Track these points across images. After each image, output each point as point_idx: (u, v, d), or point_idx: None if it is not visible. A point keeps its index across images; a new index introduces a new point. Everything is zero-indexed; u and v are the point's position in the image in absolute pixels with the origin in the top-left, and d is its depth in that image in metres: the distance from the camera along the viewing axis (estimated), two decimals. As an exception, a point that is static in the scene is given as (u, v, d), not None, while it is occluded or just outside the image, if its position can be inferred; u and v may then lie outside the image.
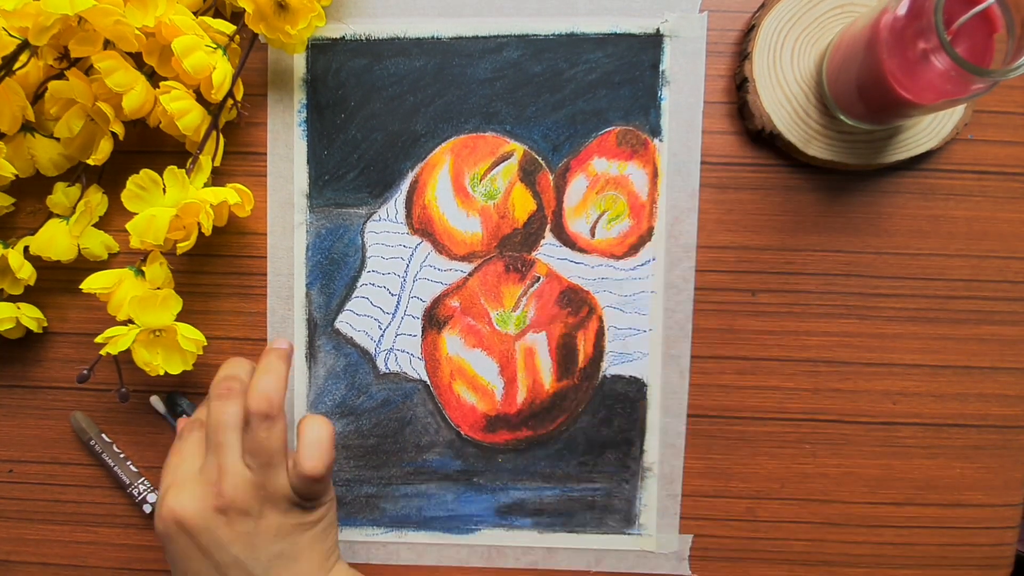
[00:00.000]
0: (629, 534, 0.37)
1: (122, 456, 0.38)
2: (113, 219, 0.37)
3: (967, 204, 0.36)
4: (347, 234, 0.37)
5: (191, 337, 0.34)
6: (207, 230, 0.33)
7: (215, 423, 0.30)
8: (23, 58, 0.32)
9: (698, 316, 0.37)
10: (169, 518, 0.29)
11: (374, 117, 0.37)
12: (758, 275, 0.36)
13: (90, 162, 0.34)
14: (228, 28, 0.33)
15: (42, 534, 0.39)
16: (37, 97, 0.35)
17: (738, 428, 0.37)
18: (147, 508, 0.37)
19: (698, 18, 0.36)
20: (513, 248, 0.37)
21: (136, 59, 0.33)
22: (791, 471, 0.37)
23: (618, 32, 0.36)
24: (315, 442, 0.30)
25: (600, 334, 0.37)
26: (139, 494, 0.37)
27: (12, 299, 0.36)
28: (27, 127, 0.35)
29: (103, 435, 0.38)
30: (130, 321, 0.33)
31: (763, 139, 0.36)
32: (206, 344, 0.35)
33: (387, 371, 0.37)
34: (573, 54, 0.36)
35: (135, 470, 0.38)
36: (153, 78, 0.34)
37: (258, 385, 0.30)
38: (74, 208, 0.36)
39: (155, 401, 0.38)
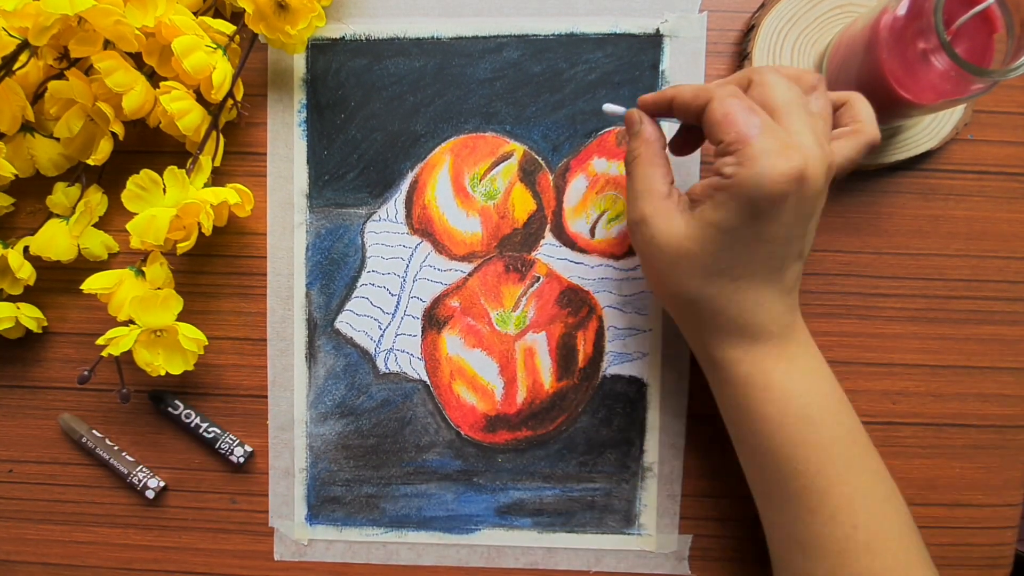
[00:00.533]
0: (629, 534, 0.38)
1: (116, 448, 0.38)
2: (113, 219, 0.37)
3: (967, 204, 0.36)
4: (347, 234, 0.37)
5: (192, 337, 0.34)
6: (207, 230, 0.33)
7: (784, 84, 0.27)
8: (23, 58, 0.32)
9: (698, 316, 0.37)
10: (798, 174, 0.25)
11: (374, 117, 0.37)
12: (758, 275, 0.36)
13: (90, 162, 0.34)
14: (228, 28, 0.33)
15: (42, 534, 0.39)
16: (37, 97, 0.35)
17: (738, 428, 0.37)
18: (149, 494, 0.37)
19: (698, 18, 0.36)
20: (513, 248, 0.37)
21: (136, 59, 0.33)
22: (791, 471, 0.37)
23: (618, 32, 0.36)
24: (871, 112, 0.29)
25: (600, 334, 0.37)
26: (139, 481, 0.37)
27: (12, 299, 0.36)
28: (27, 127, 0.35)
29: (93, 431, 0.38)
30: (131, 321, 0.33)
31: (763, 139, 0.36)
32: (207, 344, 0.35)
33: (387, 371, 0.37)
34: (573, 54, 0.36)
35: (131, 459, 0.38)
36: (153, 78, 0.34)
37: (788, 68, 0.29)
38: (74, 208, 0.36)
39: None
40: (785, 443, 0.28)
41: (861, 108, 0.29)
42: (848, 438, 0.29)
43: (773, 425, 0.28)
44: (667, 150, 0.31)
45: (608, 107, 0.32)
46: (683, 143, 0.33)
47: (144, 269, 0.35)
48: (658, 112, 0.30)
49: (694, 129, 0.31)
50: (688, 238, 0.27)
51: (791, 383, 0.28)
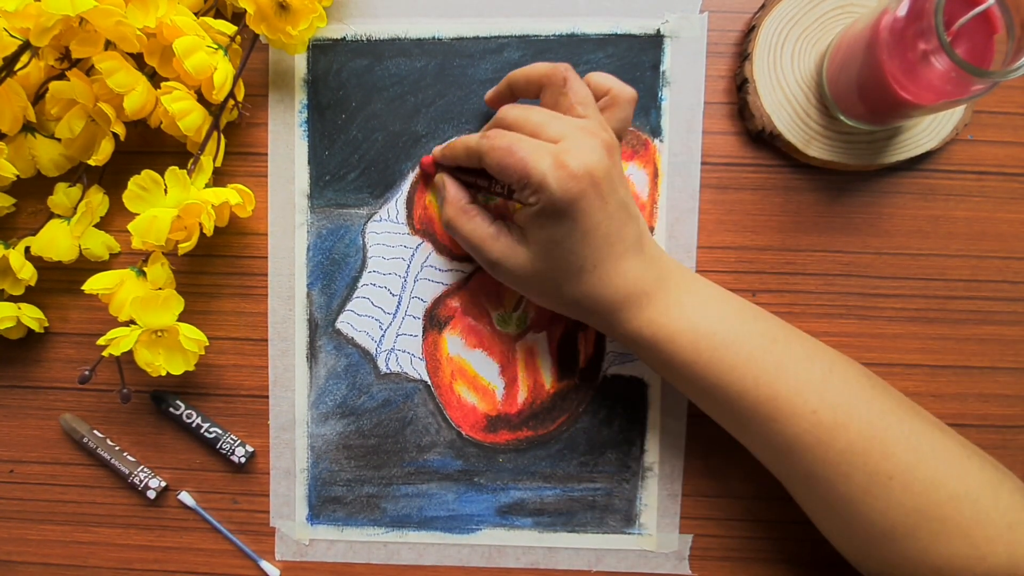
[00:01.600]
0: (629, 534, 0.38)
1: (117, 448, 0.38)
2: (114, 219, 0.37)
3: (967, 204, 0.36)
4: (348, 234, 0.37)
5: (193, 337, 0.34)
6: (208, 231, 0.33)
7: (524, 112, 0.30)
8: (24, 59, 0.32)
9: (698, 316, 0.37)
10: (583, 173, 0.28)
11: (375, 117, 0.37)
12: (758, 275, 0.36)
13: (91, 163, 0.34)
14: (229, 29, 0.33)
15: (43, 534, 0.39)
16: (38, 98, 0.35)
17: (738, 428, 0.37)
18: (151, 495, 0.37)
19: (698, 19, 0.36)
20: (514, 248, 0.37)
21: (137, 60, 0.33)
22: (791, 471, 0.37)
23: (619, 33, 0.36)
24: (613, 78, 0.32)
25: (601, 334, 0.37)
26: (140, 481, 0.37)
27: (13, 299, 0.36)
28: (28, 127, 0.35)
29: (94, 431, 0.38)
30: (132, 322, 0.33)
31: (763, 140, 0.36)
32: (208, 344, 0.35)
33: (388, 371, 0.37)
34: (574, 55, 0.36)
35: (133, 459, 0.38)
36: (154, 79, 0.34)
37: (536, 68, 0.32)
38: (75, 209, 0.36)
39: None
40: (715, 376, 0.30)
41: (602, 80, 0.32)
42: (766, 339, 0.30)
43: (698, 366, 0.30)
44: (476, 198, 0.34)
45: (426, 161, 0.36)
46: (480, 191, 0.34)
47: (145, 269, 0.35)
48: (456, 169, 0.34)
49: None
50: (534, 260, 0.30)
51: (689, 324, 0.30)
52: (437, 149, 0.34)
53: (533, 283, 0.31)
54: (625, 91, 0.32)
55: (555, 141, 0.29)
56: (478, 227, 0.32)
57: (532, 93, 0.33)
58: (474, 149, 0.31)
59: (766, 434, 0.30)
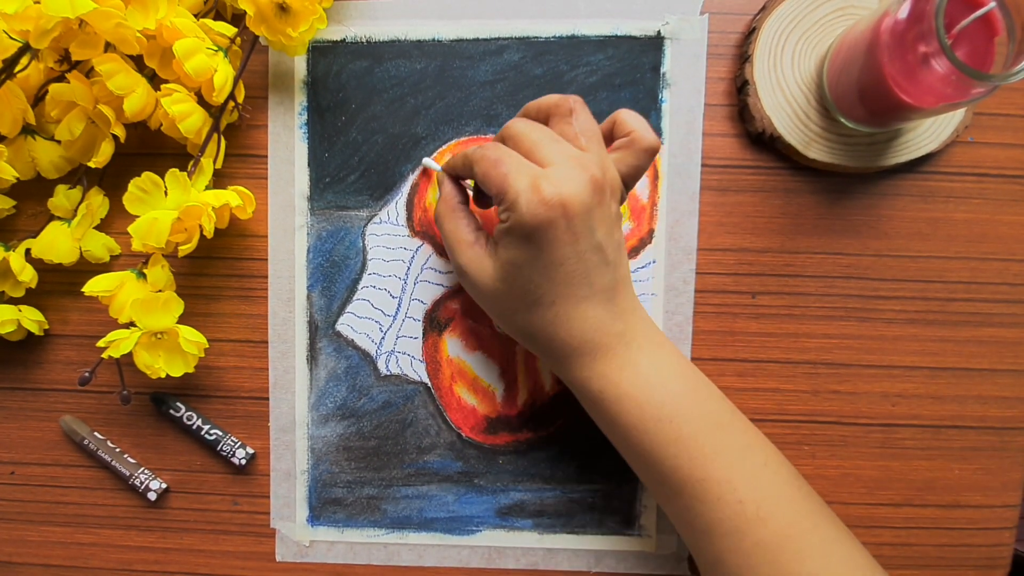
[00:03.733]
0: (629, 535, 0.38)
1: (118, 450, 0.38)
2: (114, 222, 0.37)
3: (967, 207, 0.36)
4: (348, 236, 0.37)
5: (193, 339, 0.34)
6: (208, 233, 0.33)
7: (527, 128, 0.29)
8: (24, 61, 0.32)
9: (698, 318, 0.37)
10: (556, 202, 0.27)
11: (375, 119, 0.37)
12: (758, 277, 0.37)
13: (91, 165, 0.34)
14: (229, 30, 0.33)
15: (44, 535, 0.39)
16: (38, 100, 0.34)
17: (738, 430, 0.37)
18: (151, 496, 0.38)
19: (699, 20, 0.36)
20: (514, 250, 0.37)
21: (137, 62, 0.33)
22: (791, 472, 0.37)
23: (619, 34, 0.36)
24: (642, 121, 0.30)
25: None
26: (141, 483, 0.37)
27: (13, 301, 0.36)
28: (28, 130, 0.35)
29: (95, 433, 0.38)
30: (132, 324, 0.33)
31: (763, 142, 0.36)
32: (208, 346, 0.35)
33: (388, 373, 0.37)
34: (574, 56, 0.36)
35: (133, 461, 0.38)
36: (154, 81, 0.34)
37: (547, 99, 0.31)
38: (75, 211, 0.36)
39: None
40: (653, 445, 0.29)
41: (629, 119, 0.30)
42: (711, 422, 0.29)
43: (638, 432, 0.29)
44: (471, 204, 0.33)
45: (427, 161, 0.36)
46: (479, 197, 0.34)
47: (145, 271, 0.35)
48: (458, 174, 0.33)
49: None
50: (497, 279, 0.30)
51: (640, 390, 0.29)
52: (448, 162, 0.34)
53: (492, 302, 0.30)
54: (646, 138, 0.30)
55: (543, 164, 0.28)
56: (459, 229, 0.31)
57: (542, 122, 0.31)
58: (468, 157, 0.30)
59: (688, 512, 0.29)
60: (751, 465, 0.29)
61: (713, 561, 0.29)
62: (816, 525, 0.29)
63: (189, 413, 0.38)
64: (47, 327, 0.38)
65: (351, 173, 0.37)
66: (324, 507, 0.38)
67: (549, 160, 0.28)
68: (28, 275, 0.35)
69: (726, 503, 0.28)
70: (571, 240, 0.27)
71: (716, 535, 0.29)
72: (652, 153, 0.30)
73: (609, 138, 0.31)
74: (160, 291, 0.34)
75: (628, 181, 0.30)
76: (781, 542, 0.28)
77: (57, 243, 0.35)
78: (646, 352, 0.30)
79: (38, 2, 0.29)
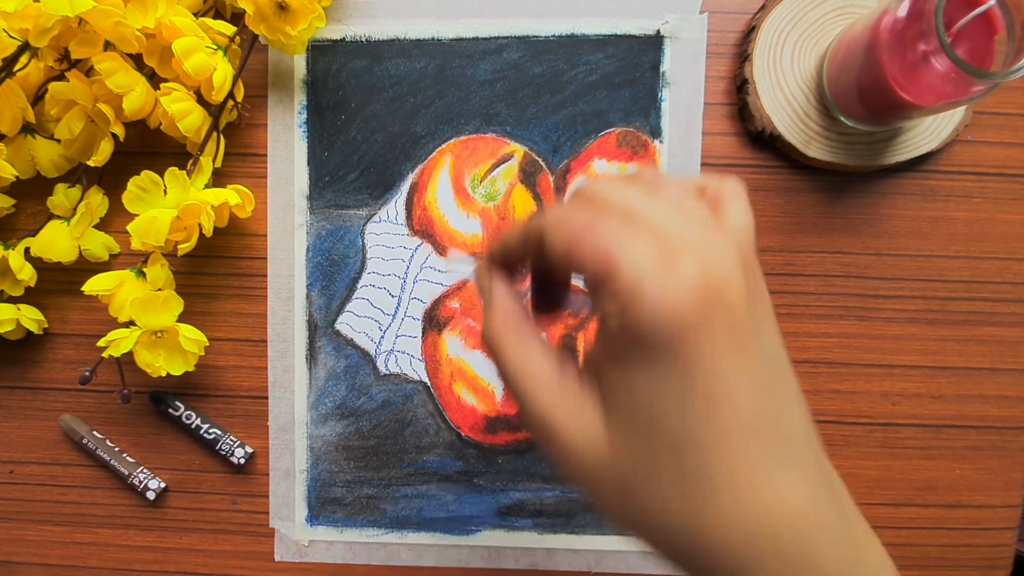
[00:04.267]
0: (629, 535, 0.37)
1: (117, 449, 0.38)
2: (114, 220, 0.37)
3: (967, 205, 0.36)
4: (347, 235, 0.37)
5: (193, 338, 0.34)
6: (208, 231, 0.33)
7: (615, 183, 0.19)
8: (24, 59, 0.32)
9: (698, 317, 0.37)
10: (708, 285, 0.16)
11: (374, 118, 0.37)
12: (758, 276, 0.36)
13: (91, 163, 0.34)
14: (228, 29, 0.33)
15: (43, 535, 0.39)
16: (38, 98, 0.35)
17: (738, 429, 0.37)
18: (150, 495, 0.38)
19: (698, 19, 0.36)
20: (513, 249, 0.37)
21: (137, 60, 0.33)
22: (791, 472, 0.37)
23: (618, 33, 0.36)
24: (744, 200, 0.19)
25: (600, 333, 0.37)
26: (140, 482, 0.37)
27: (12, 300, 0.36)
28: (28, 128, 0.35)
29: (95, 432, 0.38)
30: (132, 323, 0.33)
31: (763, 140, 0.36)
32: (208, 344, 0.35)
33: (387, 372, 0.37)
34: (573, 55, 0.36)
35: (132, 460, 0.38)
36: (154, 79, 0.34)
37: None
38: (75, 209, 0.36)
39: None
40: None
41: (713, 180, 0.20)
42: None
43: None
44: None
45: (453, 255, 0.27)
46: (541, 299, 0.23)
47: (145, 270, 0.35)
48: (508, 262, 0.21)
49: (548, 282, 0.23)
50: (617, 436, 0.17)
51: None
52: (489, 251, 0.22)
53: (606, 486, 0.18)
54: (730, 180, 0.20)
55: (658, 230, 0.17)
56: (532, 359, 0.19)
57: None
58: (533, 228, 0.19)
59: None
60: None
61: None
62: None
63: (188, 412, 0.38)
64: (46, 326, 0.38)
65: (350, 172, 0.37)
66: (323, 506, 0.38)
67: (664, 223, 0.17)
68: (27, 274, 0.35)
69: None
70: (737, 348, 0.16)
71: None
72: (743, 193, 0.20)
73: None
74: (160, 290, 0.34)
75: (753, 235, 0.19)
76: None
77: (56, 242, 0.35)
78: (875, 553, 0.17)
79: (38, 1, 0.29)
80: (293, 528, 0.38)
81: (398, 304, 0.37)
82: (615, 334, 0.17)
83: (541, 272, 0.22)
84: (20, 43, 0.31)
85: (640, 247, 0.16)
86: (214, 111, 0.34)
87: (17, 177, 0.35)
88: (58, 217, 0.36)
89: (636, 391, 0.17)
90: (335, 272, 0.37)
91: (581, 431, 0.18)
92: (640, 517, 0.18)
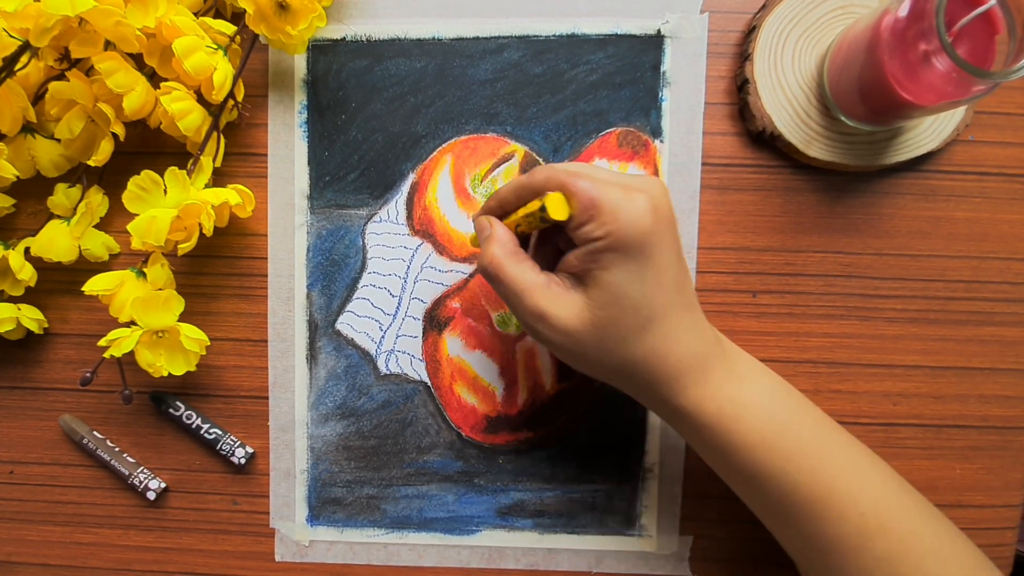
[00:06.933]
0: (630, 535, 0.38)
1: (117, 450, 0.38)
2: (114, 220, 0.37)
3: (968, 205, 0.36)
4: (348, 235, 0.37)
5: (194, 337, 0.34)
6: (208, 231, 0.33)
7: (557, 166, 0.29)
8: (24, 59, 0.32)
9: (699, 317, 0.37)
10: (657, 207, 0.26)
11: (375, 118, 0.37)
12: (758, 276, 0.36)
13: (91, 163, 0.34)
14: (229, 29, 0.33)
15: (43, 535, 0.39)
16: (38, 98, 0.34)
17: (739, 429, 0.37)
18: (151, 496, 0.37)
19: (699, 19, 0.36)
20: (514, 249, 0.37)
21: (137, 60, 0.33)
22: (791, 472, 0.37)
23: (619, 33, 0.36)
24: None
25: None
26: (140, 483, 0.37)
27: (13, 300, 0.36)
28: (28, 128, 0.35)
29: (95, 432, 0.38)
30: (132, 323, 0.33)
31: (764, 140, 0.36)
32: (209, 344, 0.35)
33: (388, 372, 0.37)
34: (574, 55, 0.36)
35: (132, 460, 0.38)
36: (154, 79, 0.34)
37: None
38: (75, 209, 0.36)
39: None
40: (775, 462, 0.28)
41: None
42: (822, 430, 0.29)
43: (760, 450, 0.28)
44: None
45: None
46: (539, 249, 0.32)
47: (145, 270, 0.34)
48: (502, 214, 0.31)
49: (544, 231, 0.31)
50: (595, 309, 0.27)
51: (755, 400, 0.28)
52: (483, 209, 0.32)
53: (584, 343, 0.27)
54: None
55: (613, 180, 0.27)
56: (525, 272, 0.28)
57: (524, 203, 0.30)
58: (526, 182, 0.28)
59: (808, 531, 0.28)
60: (864, 471, 0.28)
61: None
62: (931, 528, 0.28)
63: (188, 412, 0.38)
64: (46, 326, 0.38)
65: (351, 172, 0.37)
66: (323, 507, 0.38)
67: (620, 177, 0.27)
68: (27, 273, 0.35)
69: (848, 519, 0.27)
70: (673, 243, 0.27)
71: (839, 552, 0.27)
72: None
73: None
74: (160, 290, 0.34)
75: None
76: (902, 553, 0.27)
77: (56, 241, 0.35)
78: (743, 360, 0.29)
79: (38, 0, 0.29)
80: (293, 528, 0.38)
81: (398, 304, 0.37)
82: (600, 248, 0.26)
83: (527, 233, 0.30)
84: (20, 43, 0.31)
85: (609, 191, 0.26)
86: (214, 111, 0.34)
87: (17, 177, 0.35)
88: (58, 217, 0.36)
89: (613, 277, 0.26)
90: (335, 272, 0.37)
91: (566, 310, 0.27)
92: (609, 356, 0.28)
